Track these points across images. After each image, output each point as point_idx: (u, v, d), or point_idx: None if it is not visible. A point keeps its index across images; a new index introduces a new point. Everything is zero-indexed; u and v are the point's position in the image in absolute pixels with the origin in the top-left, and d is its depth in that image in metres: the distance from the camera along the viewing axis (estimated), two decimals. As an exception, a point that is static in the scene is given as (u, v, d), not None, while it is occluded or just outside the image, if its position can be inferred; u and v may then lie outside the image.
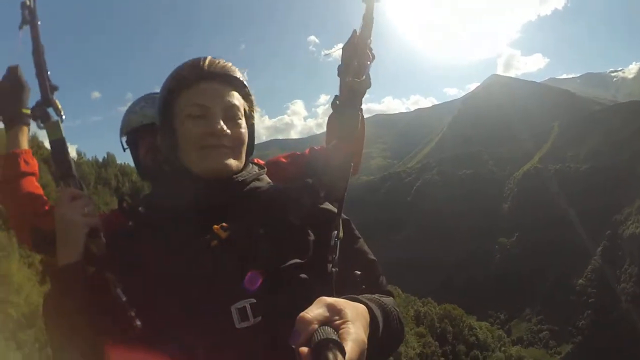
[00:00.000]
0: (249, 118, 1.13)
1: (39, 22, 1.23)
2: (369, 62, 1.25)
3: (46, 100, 1.21)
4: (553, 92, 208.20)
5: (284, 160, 1.60)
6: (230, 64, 1.10)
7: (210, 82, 1.05)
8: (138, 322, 0.92)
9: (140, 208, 1.09)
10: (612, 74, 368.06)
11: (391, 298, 1.06)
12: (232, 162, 1.05)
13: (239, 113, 1.08)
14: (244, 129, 1.09)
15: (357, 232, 1.17)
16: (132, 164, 1.88)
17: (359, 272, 1.07)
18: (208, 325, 0.89)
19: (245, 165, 1.13)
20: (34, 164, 1.55)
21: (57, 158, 1.16)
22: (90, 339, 0.94)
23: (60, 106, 1.21)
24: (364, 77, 1.22)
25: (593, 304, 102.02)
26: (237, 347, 0.88)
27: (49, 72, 1.22)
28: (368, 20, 1.24)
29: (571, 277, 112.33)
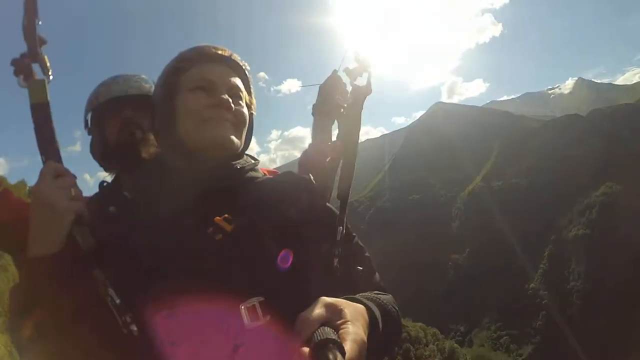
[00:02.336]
0: (250, 108, 1.10)
1: None
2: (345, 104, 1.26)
3: (33, 54, 1.00)
4: (494, 114, 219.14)
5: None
6: (236, 54, 1.08)
7: (216, 64, 1.03)
8: (134, 328, 0.80)
9: (125, 193, 0.96)
10: (550, 92, 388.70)
11: (389, 296, 1.03)
12: (234, 139, 0.99)
13: (242, 95, 1.05)
14: (247, 110, 1.06)
15: (351, 230, 1.14)
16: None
17: (360, 268, 1.05)
18: (216, 326, 0.81)
19: (243, 153, 1.09)
20: None
21: (39, 126, 0.97)
22: (68, 340, 0.82)
23: (48, 63, 1.03)
24: (366, 84, 1.18)
25: (546, 305, 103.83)
26: (247, 348, 0.81)
27: (39, 22, 1.02)
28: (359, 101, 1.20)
29: (522, 282, 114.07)
